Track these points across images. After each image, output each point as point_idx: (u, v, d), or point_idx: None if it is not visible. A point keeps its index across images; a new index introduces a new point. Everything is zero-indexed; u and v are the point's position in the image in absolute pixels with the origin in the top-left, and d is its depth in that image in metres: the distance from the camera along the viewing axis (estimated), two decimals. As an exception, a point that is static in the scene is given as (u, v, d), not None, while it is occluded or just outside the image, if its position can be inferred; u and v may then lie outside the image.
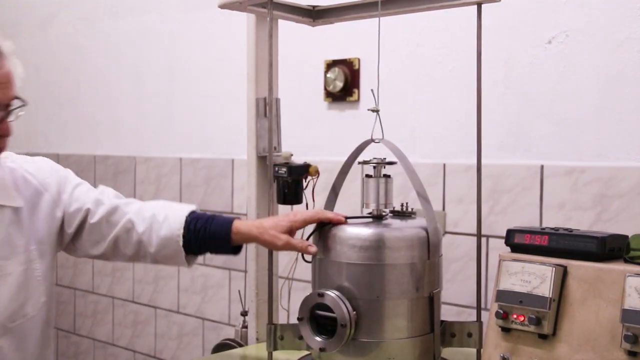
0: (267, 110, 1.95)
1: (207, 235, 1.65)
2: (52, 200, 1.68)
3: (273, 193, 1.84)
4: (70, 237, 1.71)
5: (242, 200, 2.70)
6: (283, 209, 2.15)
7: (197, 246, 1.67)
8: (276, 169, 1.85)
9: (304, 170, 1.87)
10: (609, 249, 1.48)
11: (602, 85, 1.89)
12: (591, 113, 1.91)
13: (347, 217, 1.63)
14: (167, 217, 1.68)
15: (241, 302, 2.06)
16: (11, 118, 1.52)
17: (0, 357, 1.59)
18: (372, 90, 1.61)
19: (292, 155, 1.92)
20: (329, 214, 1.62)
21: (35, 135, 3.64)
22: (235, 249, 1.69)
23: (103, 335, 3.39)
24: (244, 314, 2.02)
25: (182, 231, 1.65)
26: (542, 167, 1.98)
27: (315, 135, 2.49)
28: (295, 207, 1.97)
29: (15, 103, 1.52)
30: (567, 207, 1.93)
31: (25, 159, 1.71)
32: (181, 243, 1.65)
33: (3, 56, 1.50)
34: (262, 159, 1.92)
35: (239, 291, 2.09)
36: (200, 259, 1.76)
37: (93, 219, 1.69)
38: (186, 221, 1.67)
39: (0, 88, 1.48)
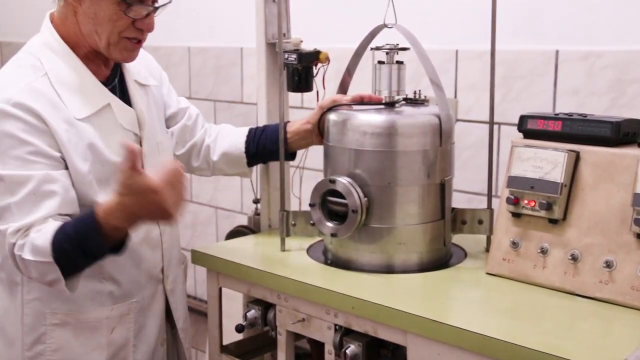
0: (275, -5, 1.89)
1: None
2: (161, 92, 1.78)
3: (283, 81, 1.81)
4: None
5: (252, 89, 2.67)
6: (293, 96, 2.14)
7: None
8: (286, 56, 1.82)
9: (314, 56, 1.84)
10: (623, 133, 1.46)
11: (623, -35, 1.82)
12: (610, -5, 1.85)
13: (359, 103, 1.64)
14: (231, 131, 1.86)
15: (253, 190, 2.07)
16: (157, 13, 1.58)
17: None
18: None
19: (301, 41, 1.88)
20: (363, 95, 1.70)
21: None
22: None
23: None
24: (256, 201, 2.04)
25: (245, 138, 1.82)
26: (557, 52, 1.94)
27: (325, 21, 2.43)
28: (305, 95, 1.96)
29: (160, 1, 1.58)
30: (582, 93, 1.90)
31: None
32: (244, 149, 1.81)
33: None
34: (271, 46, 1.88)
35: (251, 180, 2.10)
36: None
37: (183, 121, 1.83)
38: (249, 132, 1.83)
39: None
